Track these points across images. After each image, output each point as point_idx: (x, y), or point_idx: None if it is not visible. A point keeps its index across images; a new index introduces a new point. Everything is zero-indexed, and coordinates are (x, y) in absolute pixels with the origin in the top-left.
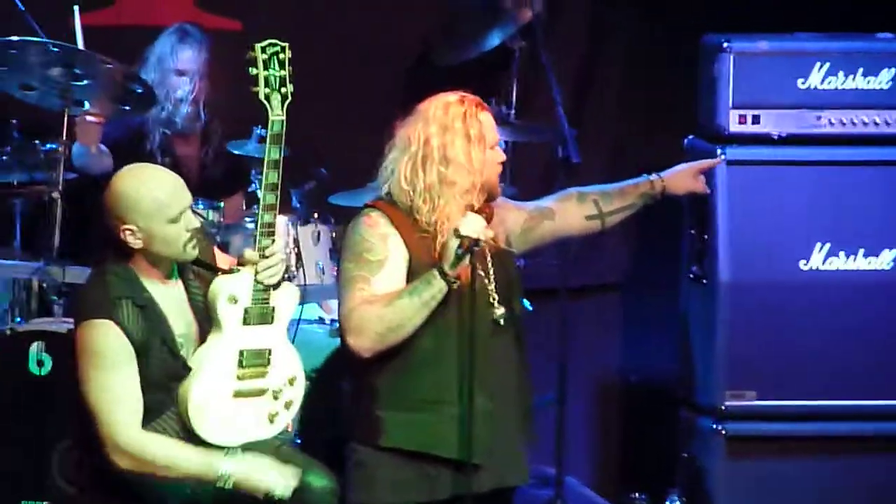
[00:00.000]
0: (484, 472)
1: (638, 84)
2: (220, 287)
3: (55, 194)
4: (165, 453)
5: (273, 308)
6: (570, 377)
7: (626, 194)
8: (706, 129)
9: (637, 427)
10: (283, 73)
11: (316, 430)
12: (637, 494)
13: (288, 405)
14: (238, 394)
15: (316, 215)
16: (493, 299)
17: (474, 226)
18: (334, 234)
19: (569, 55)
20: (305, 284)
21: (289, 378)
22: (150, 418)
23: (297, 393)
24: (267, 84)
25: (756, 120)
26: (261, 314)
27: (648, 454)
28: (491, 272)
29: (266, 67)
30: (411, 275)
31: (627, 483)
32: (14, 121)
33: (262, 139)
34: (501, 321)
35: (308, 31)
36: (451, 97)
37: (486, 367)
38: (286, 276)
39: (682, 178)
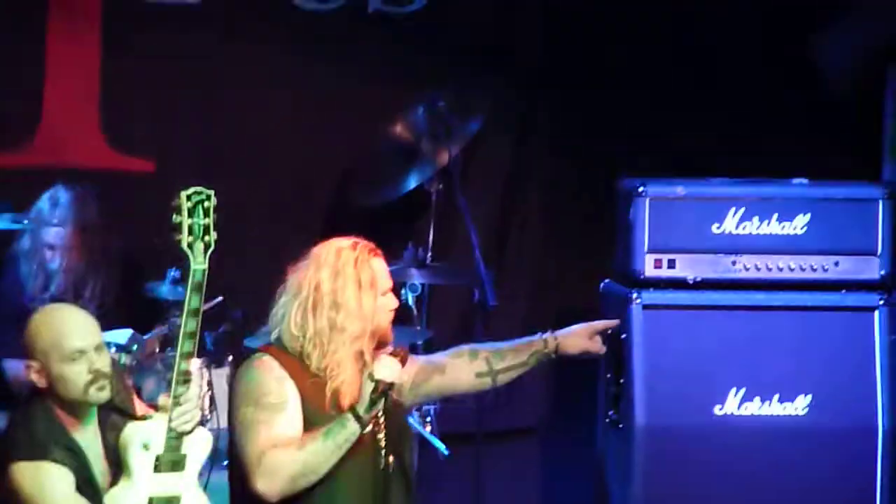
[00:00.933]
0: None
1: (555, 227)
2: (133, 433)
3: None
4: None
5: (185, 455)
6: None
7: (518, 352)
8: (622, 273)
9: None
10: (207, 221)
11: None
12: None
13: None
14: None
15: (230, 358)
16: (381, 447)
17: (389, 369)
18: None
19: (486, 198)
20: (219, 428)
21: None
22: None
23: None
24: (190, 232)
25: (672, 264)
26: (172, 461)
27: None
28: (381, 421)
29: (190, 215)
30: (305, 421)
31: None
32: None
33: (175, 281)
34: (390, 470)
35: (223, 172)
36: (344, 242)
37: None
38: (199, 420)
39: (576, 338)
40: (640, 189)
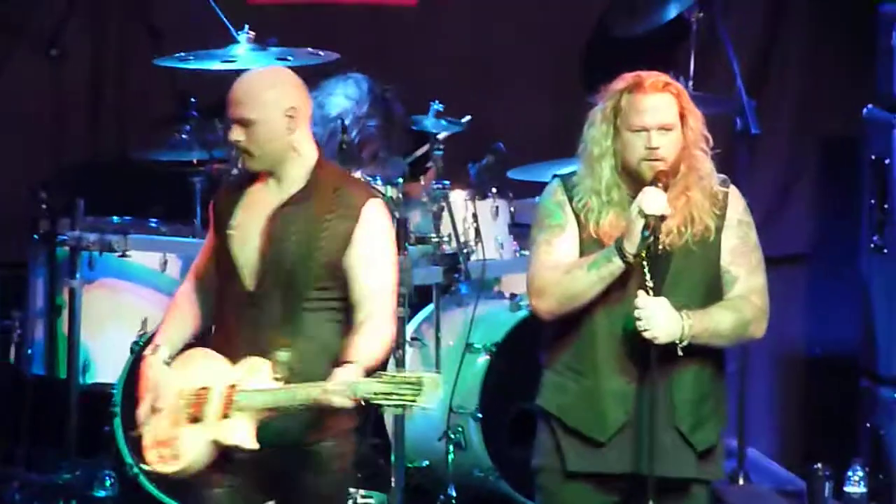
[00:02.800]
0: (613, 453)
1: (818, 53)
2: None
3: (234, 171)
4: None
5: None
6: (752, 349)
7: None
8: (884, 99)
9: (819, 397)
10: None
11: (497, 404)
12: (819, 465)
13: None
14: None
15: (494, 190)
16: (649, 290)
17: (656, 202)
18: (513, 209)
19: (747, 25)
20: (485, 259)
21: None
22: None
23: None
24: None
25: None
26: None
27: (831, 425)
28: (647, 257)
29: None
30: (581, 247)
31: (810, 454)
32: (193, 99)
33: (438, 114)
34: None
35: (486, 8)
36: (622, 81)
37: (633, 351)
38: (466, 251)
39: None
40: None
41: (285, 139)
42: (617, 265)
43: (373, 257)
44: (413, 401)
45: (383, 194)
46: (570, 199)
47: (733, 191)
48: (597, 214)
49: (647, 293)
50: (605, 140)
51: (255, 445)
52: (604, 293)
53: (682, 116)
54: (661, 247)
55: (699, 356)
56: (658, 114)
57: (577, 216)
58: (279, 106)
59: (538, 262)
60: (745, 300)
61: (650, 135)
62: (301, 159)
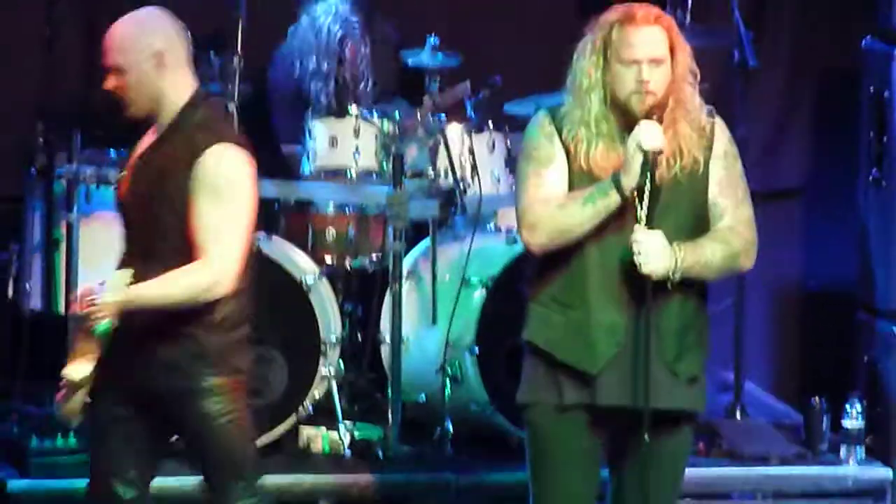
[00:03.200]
0: (605, 386)
1: None
2: None
3: (231, 106)
4: None
5: None
6: (748, 282)
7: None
8: (884, 30)
9: (816, 331)
10: None
11: (494, 339)
12: (817, 398)
13: None
14: None
15: (490, 124)
16: (640, 220)
17: (654, 136)
18: (509, 143)
19: None
20: (481, 194)
21: None
22: None
23: None
24: None
25: None
26: None
27: (828, 358)
28: (645, 192)
29: None
30: (570, 180)
31: (807, 387)
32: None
33: (433, 48)
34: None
35: None
36: (613, 13)
37: (622, 283)
38: (462, 185)
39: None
40: None
41: (155, 84)
42: (614, 199)
43: (205, 202)
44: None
45: (240, 139)
46: (559, 131)
47: (719, 122)
48: (587, 146)
49: (642, 226)
50: (595, 72)
51: None
52: (599, 227)
53: (672, 49)
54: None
55: (683, 288)
56: (649, 47)
57: (566, 148)
58: (145, 51)
59: (528, 196)
60: (733, 232)
61: (641, 68)
62: (171, 104)
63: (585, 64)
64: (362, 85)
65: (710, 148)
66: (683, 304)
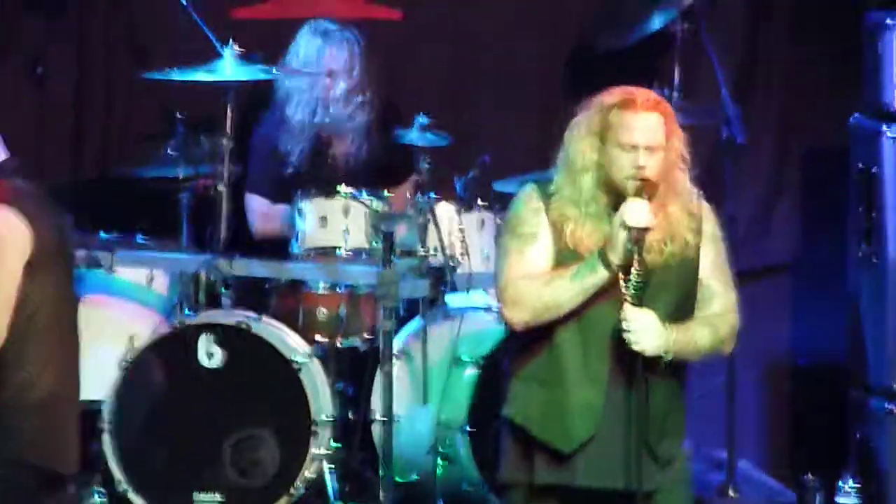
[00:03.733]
0: (582, 466)
1: (802, 62)
2: None
3: (221, 187)
4: None
5: None
6: (739, 359)
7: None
8: (871, 107)
9: (808, 408)
10: None
11: (486, 417)
12: (810, 476)
13: None
14: None
15: (480, 202)
16: (626, 298)
17: (640, 214)
18: (499, 221)
19: (731, 36)
20: (471, 273)
21: None
22: None
23: None
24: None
25: None
26: None
27: (820, 435)
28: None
29: None
30: (555, 256)
31: (800, 465)
32: (179, 115)
33: (423, 128)
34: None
35: (470, 22)
36: (609, 97)
37: (603, 362)
38: (452, 263)
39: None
40: (888, 21)
41: None
42: (602, 276)
43: None
44: None
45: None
46: (547, 208)
47: (706, 205)
48: (574, 225)
49: (631, 305)
50: (590, 153)
51: None
52: (583, 306)
53: (668, 136)
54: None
55: (669, 369)
56: (648, 133)
57: (552, 224)
58: None
59: (510, 272)
60: (722, 318)
61: (639, 153)
62: None
63: (581, 144)
64: (352, 163)
65: (699, 230)
66: (667, 387)
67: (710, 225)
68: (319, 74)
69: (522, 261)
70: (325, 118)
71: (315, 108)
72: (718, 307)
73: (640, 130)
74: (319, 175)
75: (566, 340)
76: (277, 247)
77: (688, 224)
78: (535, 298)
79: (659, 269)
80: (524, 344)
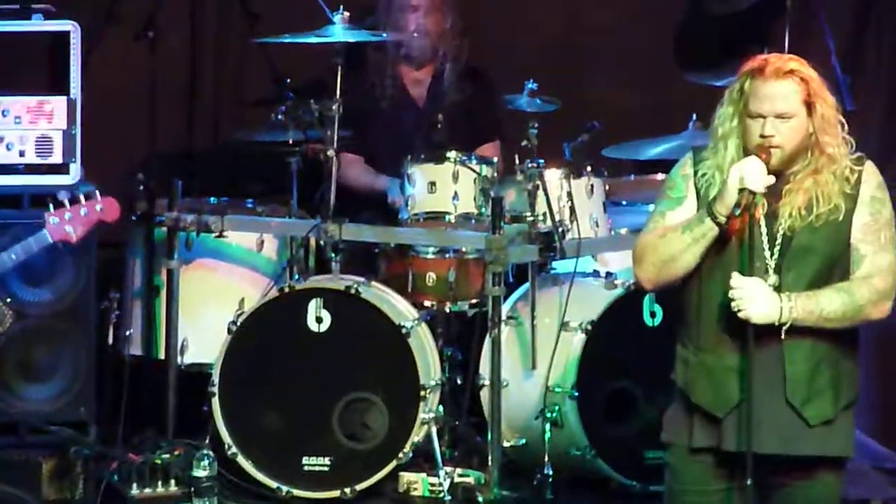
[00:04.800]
0: (728, 429)
1: None
2: None
3: (330, 152)
4: None
5: None
6: None
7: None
8: None
9: None
10: None
11: (594, 383)
12: None
13: None
14: None
15: (589, 168)
16: (769, 267)
17: (757, 177)
18: (608, 187)
19: (841, 2)
20: (580, 238)
21: None
22: None
23: None
24: None
25: None
26: None
27: None
28: (764, 235)
29: None
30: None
31: None
32: (287, 80)
33: (532, 93)
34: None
35: None
36: (750, 64)
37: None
38: (561, 229)
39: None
40: None
41: None
42: (709, 226)
43: None
44: None
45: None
46: (696, 173)
47: (868, 167)
48: (715, 190)
49: (744, 272)
50: (730, 121)
51: None
52: (722, 268)
53: (810, 104)
54: (780, 225)
55: (814, 331)
56: (775, 102)
57: (697, 190)
58: None
59: (644, 232)
60: (864, 282)
61: (765, 122)
62: None
63: (723, 112)
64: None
65: (855, 195)
66: (814, 347)
67: (869, 187)
68: (403, 8)
69: (659, 222)
70: (410, 52)
71: (401, 42)
72: (864, 271)
73: (767, 99)
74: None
75: (713, 307)
76: (387, 212)
77: (840, 189)
78: (652, 253)
79: (804, 231)
80: (680, 309)
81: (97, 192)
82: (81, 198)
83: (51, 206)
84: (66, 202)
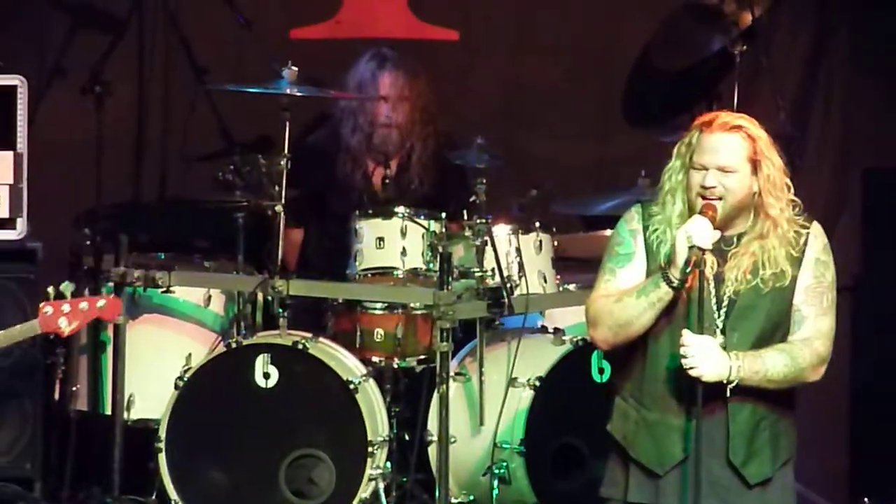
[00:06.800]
0: (668, 487)
1: (863, 84)
2: None
3: (278, 208)
4: None
5: None
6: None
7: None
8: None
9: (865, 430)
10: None
11: (541, 439)
12: (866, 499)
13: None
14: None
15: (537, 224)
16: (716, 327)
17: (703, 233)
18: (556, 243)
19: (790, 58)
20: (528, 293)
21: None
22: None
23: None
24: None
25: None
26: None
27: (877, 458)
28: (712, 295)
29: None
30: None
31: (856, 488)
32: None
33: (480, 149)
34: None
35: (528, 42)
36: (701, 119)
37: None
38: (509, 284)
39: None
40: None
41: None
42: (664, 291)
43: None
44: None
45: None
46: (645, 229)
47: (815, 229)
48: (666, 246)
49: (694, 330)
50: (677, 174)
51: None
52: (669, 326)
53: (756, 161)
54: (727, 288)
55: (757, 390)
56: (719, 154)
57: (648, 246)
58: None
59: (596, 291)
60: (805, 345)
61: (707, 174)
62: None
63: (671, 165)
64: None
65: (800, 258)
66: (755, 407)
67: (814, 250)
68: (373, 99)
69: (611, 281)
70: (376, 142)
71: (369, 133)
72: (804, 333)
73: (711, 151)
74: (364, 198)
75: (659, 363)
76: (335, 268)
77: (786, 253)
78: (608, 317)
79: (749, 292)
80: (624, 363)
81: (103, 290)
82: (86, 293)
83: (51, 295)
84: (69, 294)
